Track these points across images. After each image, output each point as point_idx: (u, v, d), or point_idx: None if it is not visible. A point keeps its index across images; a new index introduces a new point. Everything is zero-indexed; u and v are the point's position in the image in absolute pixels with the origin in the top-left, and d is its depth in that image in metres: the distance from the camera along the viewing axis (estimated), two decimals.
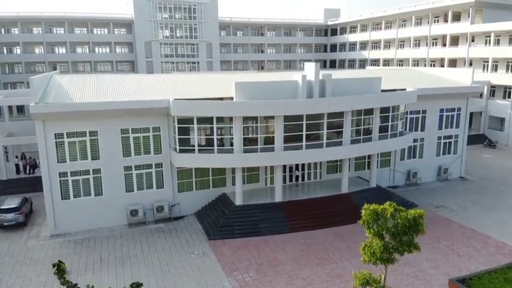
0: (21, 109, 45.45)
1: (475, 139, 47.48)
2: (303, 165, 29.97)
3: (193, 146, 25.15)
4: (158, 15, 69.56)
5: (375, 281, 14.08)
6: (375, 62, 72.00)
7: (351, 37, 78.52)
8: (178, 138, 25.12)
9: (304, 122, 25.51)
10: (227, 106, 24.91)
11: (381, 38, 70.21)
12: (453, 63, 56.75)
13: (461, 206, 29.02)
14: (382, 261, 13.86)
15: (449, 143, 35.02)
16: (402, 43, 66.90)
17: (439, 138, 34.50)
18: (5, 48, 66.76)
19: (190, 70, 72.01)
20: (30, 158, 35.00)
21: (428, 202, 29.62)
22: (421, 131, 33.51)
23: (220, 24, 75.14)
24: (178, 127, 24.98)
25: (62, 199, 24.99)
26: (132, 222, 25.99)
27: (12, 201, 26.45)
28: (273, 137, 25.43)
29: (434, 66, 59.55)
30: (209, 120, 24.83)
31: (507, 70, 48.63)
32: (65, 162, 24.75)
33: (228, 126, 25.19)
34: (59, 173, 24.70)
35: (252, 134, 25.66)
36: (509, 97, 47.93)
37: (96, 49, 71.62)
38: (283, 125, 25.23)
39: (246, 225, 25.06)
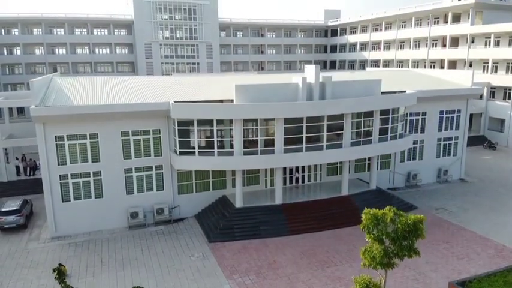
0: (21, 110, 45.44)
1: (475, 140, 47.50)
2: (303, 167, 30.01)
3: (194, 148, 25.19)
4: (158, 16, 69.59)
5: (374, 285, 14.13)
6: (375, 63, 72.02)
7: (351, 38, 78.53)
8: (179, 140, 25.16)
9: (304, 125, 25.54)
10: (227, 109, 24.93)
11: (381, 39, 70.24)
12: (453, 64, 56.76)
13: (461, 208, 29.05)
14: (382, 265, 13.89)
15: (449, 144, 35.05)
16: (402, 44, 66.91)
17: (439, 140, 34.53)
18: (5, 49, 66.82)
19: (191, 71, 72.04)
20: (31, 159, 35.04)
21: (428, 204, 29.65)
22: (421, 132, 33.54)
23: (221, 25, 75.19)
24: (178, 129, 25.01)
25: (63, 201, 25.03)
26: (132, 224, 26.02)
27: (13, 204, 26.47)
28: (273, 139, 25.47)
29: (434, 67, 59.60)
30: (209, 122, 24.87)
31: (507, 71, 48.62)
32: (66, 164, 24.79)
33: (228, 129, 25.23)
34: (60, 175, 24.73)
35: (252, 136, 25.71)
36: (509, 98, 47.93)
37: (97, 50, 71.66)
38: (283, 128, 25.25)
39: (246, 227, 25.09)
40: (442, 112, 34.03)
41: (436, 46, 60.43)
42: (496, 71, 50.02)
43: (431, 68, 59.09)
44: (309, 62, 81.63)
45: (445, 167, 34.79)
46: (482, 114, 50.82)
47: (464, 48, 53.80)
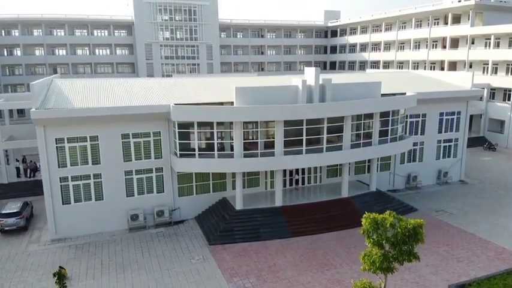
0: (21, 111, 45.46)
1: (475, 142, 47.54)
2: (303, 169, 30.01)
3: (194, 150, 25.22)
4: (158, 17, 69.63)
5: None
6: (375, 64, 72.02)
7: (351, 39, 78.53)
8: (179, 142, 25.20)
9: (304, 127, 25.57)
10: (227, 111, 24.95)
11: (381, 39, 70.26)
12: (453, 65, 56.79)
13: (461, 210, 29.07)
14: (382, 270, 13.91)
15: (449, 146, 35.07)
16: (402, 45, 66.94)
17: (439, 141, 34.57)
18: (5, 50, 66.82)
19: (191, 72, 72.11)
20: (31, 161, 35.06)
21: (428, 206, 29.68)
22: (421, 134, 33.57)
23: (221, 26, 75.24)
24: (178, 132, 25.05)
25: (63, 204, 25.06)
26: (132, 226, 26.04)
27: (13, 206, 26.50)
28: (273, 141, 25.50)
29: (434, 68, 59.64)
30: (209, 125, 24.92)
31: (507, 73, 48.65)
32: (66, 167, 24.82)
33: (229, 131, 25.27)
34: (60, 177, 24.77)
35: (252, 139, 25.73)
36: (509, 99, 47.94)
37: (97, 51, 71.67)
38: (283, 130, 25.29)
39: (247, 230, 25.11)
40: (442, 114, 34.07)
41: (436, 47, 60.46)
42: (496, 72, 50.05)
43: (431, 69, 59.14)
44: (308, 63, 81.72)
45: (445, 169, 34.82)
46: (482, 116, 50.84)
47: (464, 50, 53.83)
